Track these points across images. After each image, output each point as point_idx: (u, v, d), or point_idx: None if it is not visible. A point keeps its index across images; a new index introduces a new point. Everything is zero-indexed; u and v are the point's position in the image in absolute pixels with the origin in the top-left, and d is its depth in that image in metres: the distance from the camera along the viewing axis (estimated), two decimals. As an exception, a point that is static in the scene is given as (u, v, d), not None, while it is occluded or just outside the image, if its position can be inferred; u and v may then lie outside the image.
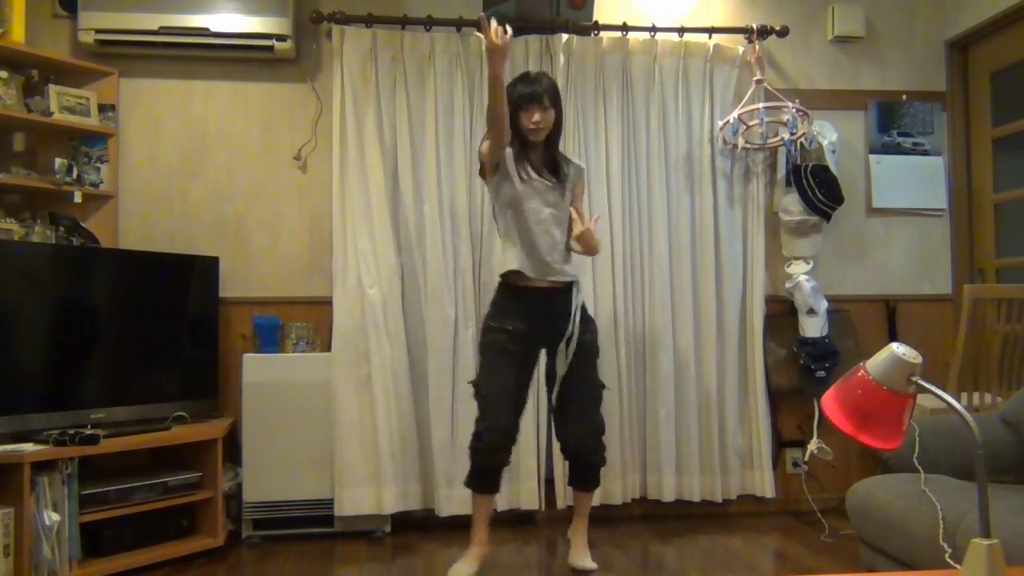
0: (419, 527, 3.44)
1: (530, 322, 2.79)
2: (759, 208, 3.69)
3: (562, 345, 2.80)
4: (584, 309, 2.89)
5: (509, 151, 2.79)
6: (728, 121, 3.61)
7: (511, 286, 2.82)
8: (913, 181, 3.90)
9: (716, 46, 3.70)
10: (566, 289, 2.83)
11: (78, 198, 3.29)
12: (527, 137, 2.80)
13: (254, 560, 3.09)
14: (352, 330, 3.38)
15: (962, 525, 1.99)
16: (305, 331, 3.49)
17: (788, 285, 3.67)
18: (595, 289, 3.52)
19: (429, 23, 3.49)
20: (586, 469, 2.91)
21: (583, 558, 2.88)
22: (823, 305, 3.63)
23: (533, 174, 2.81)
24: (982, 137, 3.85)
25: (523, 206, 2.78)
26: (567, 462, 2.98)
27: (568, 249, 2.87)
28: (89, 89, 3.40)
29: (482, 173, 2.88)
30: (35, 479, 2.63)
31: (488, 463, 2.74)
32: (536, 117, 2.75)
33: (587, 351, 2.86)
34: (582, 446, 2.86)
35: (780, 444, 3.75)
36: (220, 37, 3.39)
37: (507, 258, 2.82)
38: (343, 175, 3.45)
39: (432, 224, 3.45)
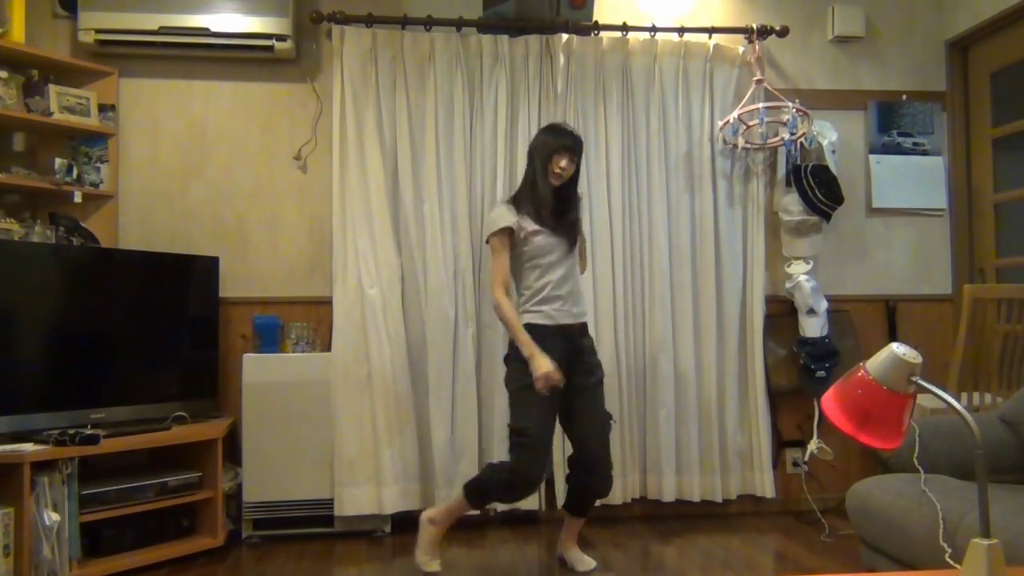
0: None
1: (565, 360, 2.77)
2: (759, 208, 3.69)
3: (588, 378, 2.84)
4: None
5: (519, 218, 2.82)
6: (728, 121, 3.61)
7: (546, 328, 2.78)
8: (913, 181, 3.90)
9: (716, 46, 3.70)
10: (585, 326, 2.91)
11: (78, 198, 3.30)
12: (549, 180, 2.84)
13: (254, 560, 3.09)
14: (352, 330, 3.38)
15: (962, 525, 1.99)
16: (305, 331, 3.49)
17: (788, 285, 3.67)
18: (595, 289, 3.52)
19: (429, 23, 3.49)
20: (602, 496, 2.95)
21: (585, 561, 2.92)
22: (823, 305, 3.62)
23: (549, 222, 2.84)
24: (982, 137, 3.85)
25: (551, 256, 2.82)
26: (571, 487, 2.97)
27: None
28: (89, 89, 3.40)
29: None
30: (35, 479, 2.63)
31: (513, 497, 2.81)
32: (564, 164, 2.82)
33: (601, 382, 2.91)
34: (605, 473, 2.88)
35: (780, 444, 3.75)
36: (220, 37, 3.39)
37: (539, 311, 2.80)
38: (343, 175, 3.46)
39: (432, 224, 3.45)
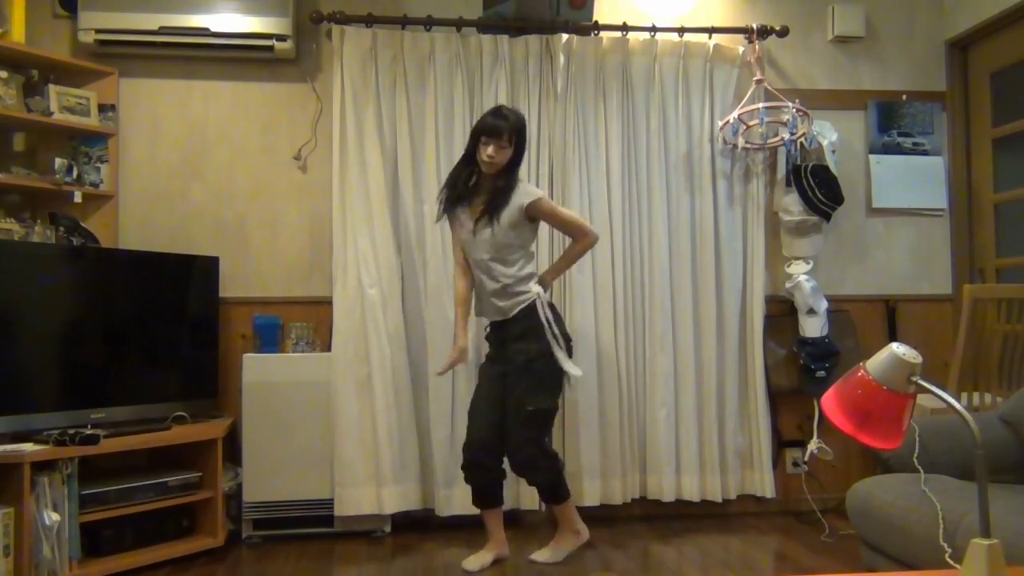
0: (419, 527, 3.44)
1: (493, 349, 3.00)
2: (759, 208, 3.69)
3: (511, 369, 2.90)
4: (537, 330, 2.88)
5: (448, 202, 3.00)
6: (728, 121, 3.61)
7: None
8: (913, 181, 3.90)
9: (716, 46, 3.70)
10: (514, 319, 2.90)
11: (78, 198, 3.29)
12: (479, 167, 2.91)
13: (254, 560, 3.09)
14: (352, 330, 3.38)
15: (962, 525, 1.99)
16: (305, 331, 3.49)
17: (788, 285, 3.67)
18: (595, 289, 3.52)
19: (429, 23, 3.49)
20: (531, 485, 3.06)
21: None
22: (823, 305, 3.62)
23: (468, 223, 2.94)
24: (982, 137, 3.85)
25: (470, 254, 2.96)
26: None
27: (514, 281, 2.90)
28: (89, 89, 3.40)
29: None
30: (35, 479, 2.63)
31: (477, 480, 2.94)
32: (491, 151, 2.83)
33: (532, 372, 2.88)
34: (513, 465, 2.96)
35: (780, 444, 3.75)
36: (220, 37, 3.39)
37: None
38: (343, 175, 3.45)
39: (432, 224, 3.45)
